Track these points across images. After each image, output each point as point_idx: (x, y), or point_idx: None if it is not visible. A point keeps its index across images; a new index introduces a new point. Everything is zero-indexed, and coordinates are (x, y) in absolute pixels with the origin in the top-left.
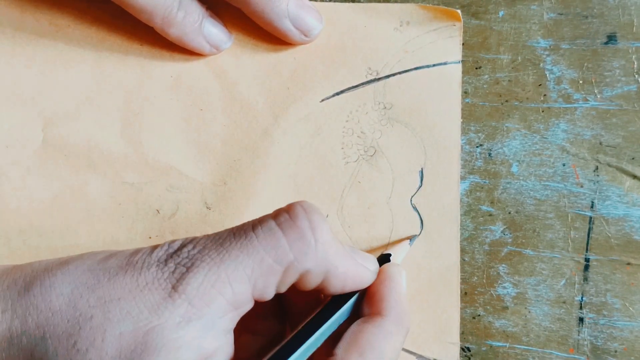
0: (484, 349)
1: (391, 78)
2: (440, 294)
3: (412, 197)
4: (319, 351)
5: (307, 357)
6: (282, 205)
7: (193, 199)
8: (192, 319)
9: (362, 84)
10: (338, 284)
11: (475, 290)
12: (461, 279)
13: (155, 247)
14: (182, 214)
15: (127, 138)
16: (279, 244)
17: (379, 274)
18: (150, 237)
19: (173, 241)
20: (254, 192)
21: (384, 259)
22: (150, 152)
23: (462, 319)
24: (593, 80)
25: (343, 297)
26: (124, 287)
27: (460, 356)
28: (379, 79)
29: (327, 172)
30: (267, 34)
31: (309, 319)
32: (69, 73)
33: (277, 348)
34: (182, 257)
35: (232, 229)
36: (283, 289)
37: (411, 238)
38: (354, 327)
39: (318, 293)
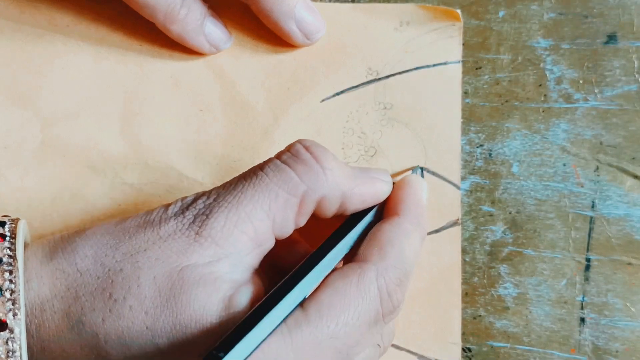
0: (485, 349)
1: (391, 78)
2: (442, 294)
3: None
4: (345, 258)
5: (337, 262)
6: None
7: None
8: (220, 258)
9: (362, 84)
10: (357, 202)
11: (476, 290)
12: (462, 279)
13: (168, 205)
14: None
15: (126, 138)
16: (289, 177)
17: (399, 182)
18: None
19: (184, 197)
20: None
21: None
22: (150, 153)
23: (463, 319)
24: (593, 80)
25: (361, 212)
26: (147, 240)
27: (461, 357)
28: (379, 79)
29: None
30: (267, 35)
31: (333, 233)
32: (67, 73)
33: (306, 258)
34: (198, 207)
35: (240, 175)
36: (302, 222)
37: (413, 169)
38: (373, 229)
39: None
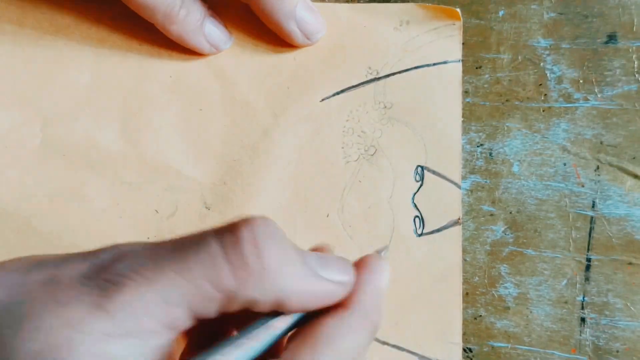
0: (485, 349)
1: (391, 77)
2: (442, 294)
3: (413, 196)
4: (269, 351)
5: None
6: (282, 206)
7: (192, 199)
8: (116, 336)
9: (362, 83)
10: (296, 307)
11: (477, 290)
12: (462, 279)
13: (86, 257)
14: (181, 214)
15: (126, 138)
16: (219, 270)
17: (355, 262)
18: (148, 238)
19: (105, 249)
20: (253, 192)
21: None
22: (149, 152)
23: (464, 319)
24: (593, 80)
25: None
26: (42, 304)
27: (462, 357)
28: (379, 78)
29: (327, 172)
30: (267, 34)
31: (260, 319)
32: (68, 73)
33: (219, 345)
34: (111, 273)
35: (175, 242)
36: (230, 311)
37: (380, 251)
38: (313, 320)
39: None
